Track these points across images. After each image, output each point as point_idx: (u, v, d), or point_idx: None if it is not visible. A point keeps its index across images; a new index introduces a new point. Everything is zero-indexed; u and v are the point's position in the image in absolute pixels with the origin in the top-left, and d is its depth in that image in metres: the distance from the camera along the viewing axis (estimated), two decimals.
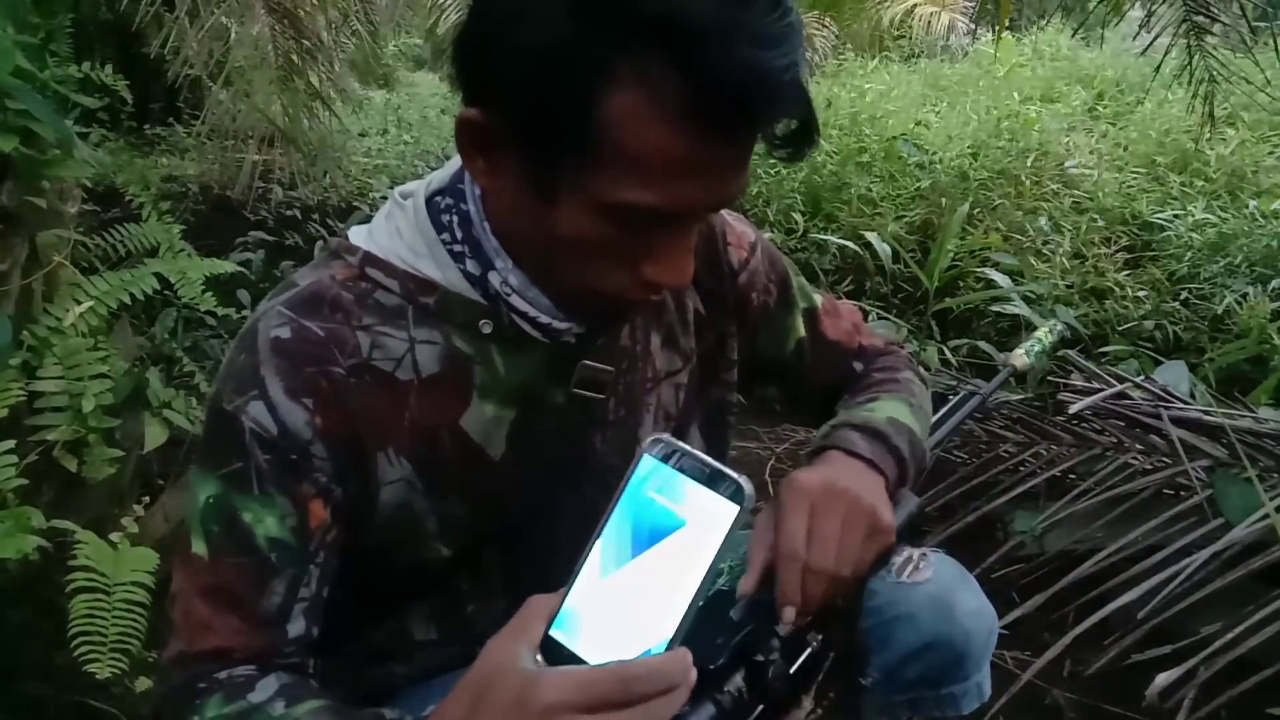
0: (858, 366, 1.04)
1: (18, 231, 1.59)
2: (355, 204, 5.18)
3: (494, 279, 0.76)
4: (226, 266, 2.05)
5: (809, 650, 0.73)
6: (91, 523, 1.57)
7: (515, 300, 0.76)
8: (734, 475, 0.57)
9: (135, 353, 2.05)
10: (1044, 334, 1.30)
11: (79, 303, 1.63)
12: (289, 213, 4.94)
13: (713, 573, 0.56)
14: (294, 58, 3.24)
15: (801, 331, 1.01)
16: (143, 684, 1.49)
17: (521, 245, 0.75)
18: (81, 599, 1.33)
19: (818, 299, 1.03)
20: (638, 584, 0.57)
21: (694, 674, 0.56)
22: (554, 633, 0.58)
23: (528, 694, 0.55)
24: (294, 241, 4.58)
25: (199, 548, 0.74)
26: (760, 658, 0.68)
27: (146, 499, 1.66)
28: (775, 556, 0.75)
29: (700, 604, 0.56)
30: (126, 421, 1.75)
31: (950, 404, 1.18)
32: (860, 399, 0.97)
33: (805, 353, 1.02)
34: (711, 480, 0.57)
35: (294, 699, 0.71)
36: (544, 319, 0.77)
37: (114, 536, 1.44)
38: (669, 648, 0.55)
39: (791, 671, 0.70)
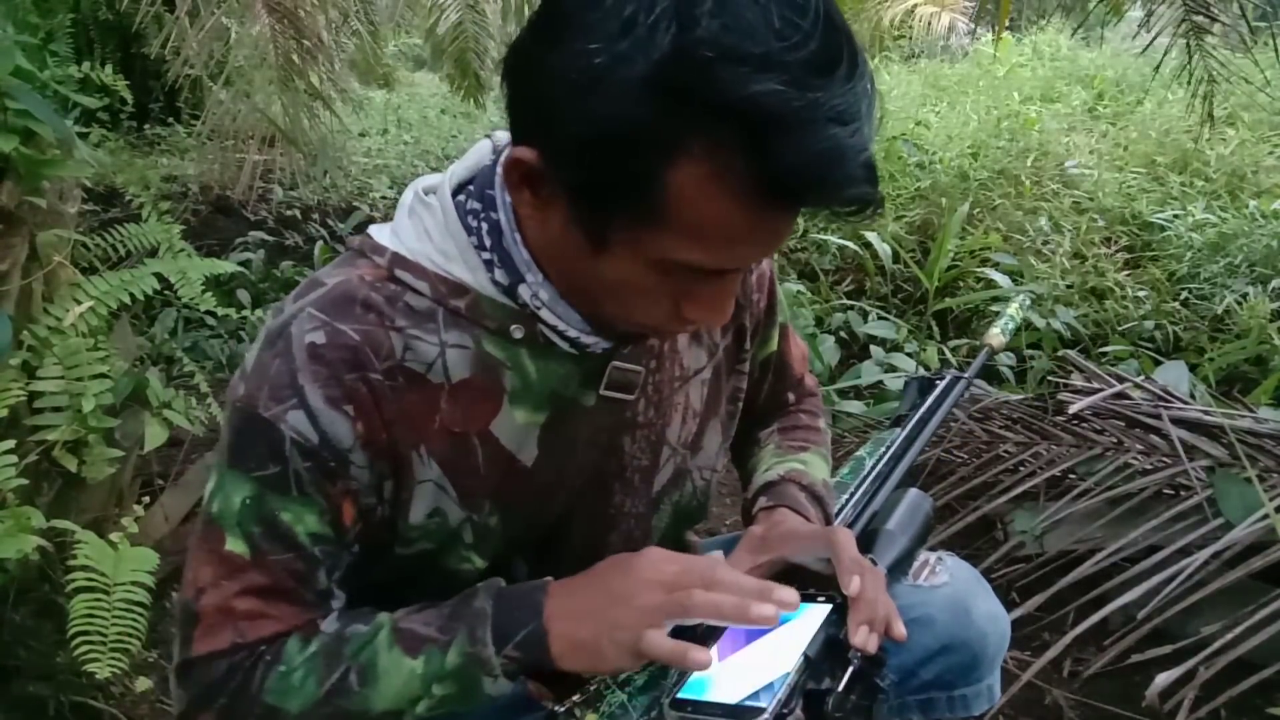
0: (791, 397, 1.09)
1: (18, 231, 1.58)
2: (355, 204, 5.19)
3: (524, 292, 0.75)
4: (226, 266, 2.04)
5: (852, 668, 0.74)
6: (91, 523, 1.57)
7: (545, 314, 0.76)
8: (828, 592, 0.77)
9: (135, 353, 2.05)
10: (1015, 310, 1.32)
11: (79, 303, 1.62)
12: (289, 213, 4.95)
13: (817, 640, 0.72)
14: (294, 58, 3.23)
15: (774, 346, 1.03)
16: (143, 684, 1.49)
17: (559, 271, 0.75)
18: (81, 599, 1.32)
19: (786, 317, 1.05)
20: (752, 658, 0.72)
21: (790, 596, 0.69)
22: (682, 695, 0.70)
23: (644, 552, 0.74)
24: (294, 241, 4.58)
25: (237, 547, 0.74)
26: (815, 686, 0.70)
27: (146, 499, 1.65)
28: (862, 568, 0.80)
29: (810, 656, 0.71)
30: (126, 421, 1.75)
31: (938, 390, 1.18)
32: (794, 442, 1.04)
33: (770, 368, 1.04)
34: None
35: (364, 618, 0.76)
36: (573, 333, 0.77)
37: (114, 536, 1.44)
38: (785, 680, 0.68)
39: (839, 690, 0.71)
